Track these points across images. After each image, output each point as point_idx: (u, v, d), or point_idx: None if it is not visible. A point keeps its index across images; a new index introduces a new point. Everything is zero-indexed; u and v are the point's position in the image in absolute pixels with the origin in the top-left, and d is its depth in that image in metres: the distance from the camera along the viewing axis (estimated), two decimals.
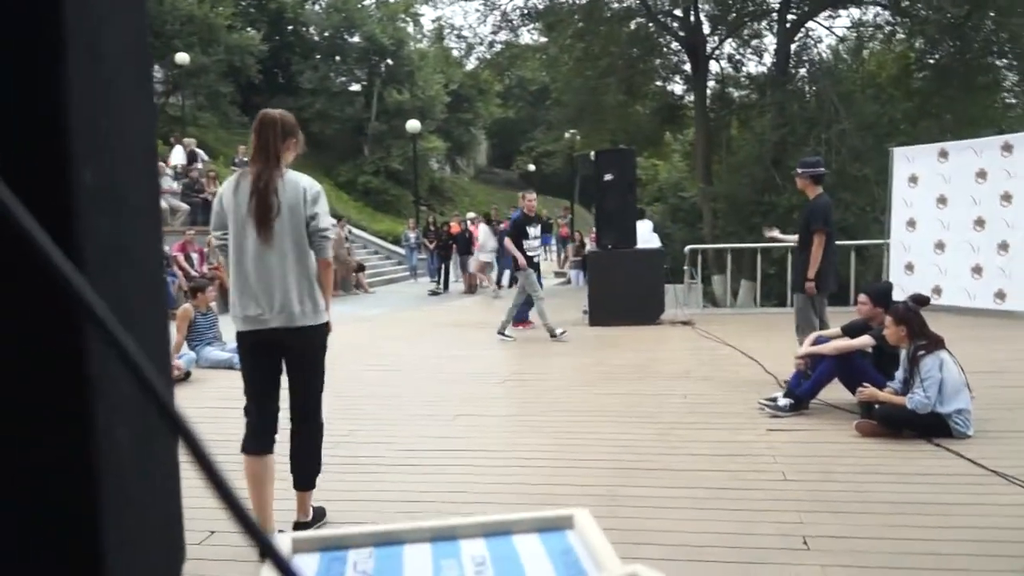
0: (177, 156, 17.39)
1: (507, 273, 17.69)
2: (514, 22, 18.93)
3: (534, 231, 9.35)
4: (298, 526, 3.48)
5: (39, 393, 0.47)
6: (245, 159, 20.17)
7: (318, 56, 33.11)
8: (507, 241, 9.42)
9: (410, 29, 35.67)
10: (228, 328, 8.27)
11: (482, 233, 16.49)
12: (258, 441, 3.35)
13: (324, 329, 3.37)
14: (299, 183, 3.27)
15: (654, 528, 3.47)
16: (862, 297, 5.59)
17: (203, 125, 26.36)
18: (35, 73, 0.45)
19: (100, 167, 0.49)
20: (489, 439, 5.06)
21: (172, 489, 0.65)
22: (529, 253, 9.17)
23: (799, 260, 6.41)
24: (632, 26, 19.14)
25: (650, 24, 18.99)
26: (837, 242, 11.52)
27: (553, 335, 9.06)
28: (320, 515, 3.61)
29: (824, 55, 19.46)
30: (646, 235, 10.97)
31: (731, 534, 3.35)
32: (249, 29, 29.57)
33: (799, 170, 6.47)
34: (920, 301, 5.19)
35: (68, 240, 0.46)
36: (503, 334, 9.23)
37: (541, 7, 18.50)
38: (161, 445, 0.63)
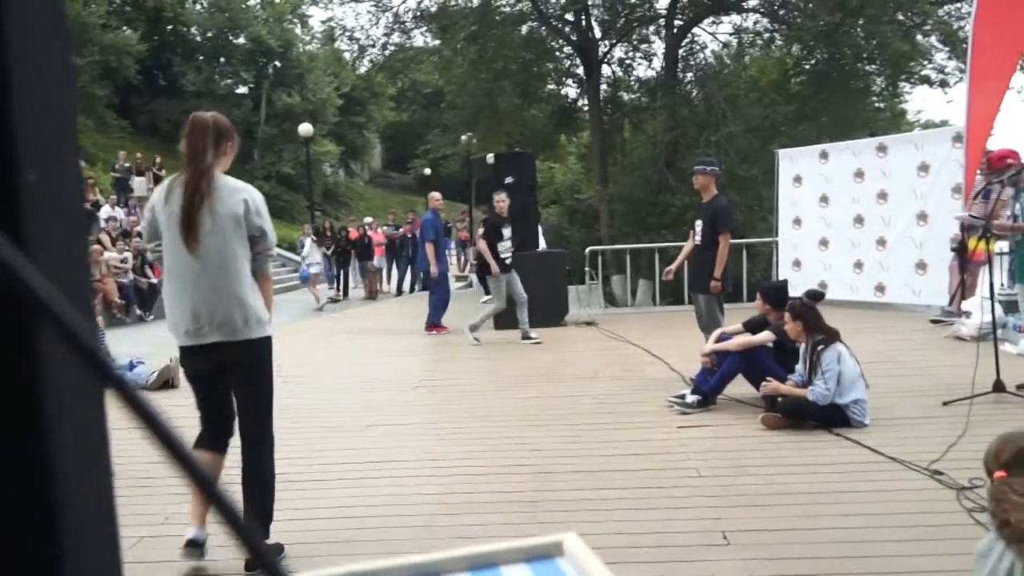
0: None
1: (407, 280, 17.54)
2: (407, 24, 18.75)
3: (507, 232, 9.06)
4: (249, 564, 3.19)
5: None
6: (126, 164, 19.23)
7: (201, 57, 31.91)
8: (481, 244, 9.02)
9: (298, 31, 34.86)
10: (114, 344, 7.83)
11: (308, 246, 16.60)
12: (210, 440, 3.28)
13: (269, 343, 3.24)
14: (238, 191, 3.11)
15: (576, 531, 3.46)
16: (758, 296, 5.80)
17: (78, 130, 24.90)
18: None
19: (42, 168, 0.48)
20: (403, 448, 4.96)
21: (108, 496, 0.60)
22: (503, 255, 8.92)
23: (701, 260, 6.50)
24: (525, 30, 19.30)
25: (543, 28, 19.20)
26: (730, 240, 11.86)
27: (527, 337, 8.92)
28: (276, 552, 3.32)
29: (709, 60, 20.17)
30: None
31: (652, 533, 3.40)
32: (125, 28, 28.22)
33: (706, 168, 6.51)
34: (815, 297, 5.42)
35: (20, 246, 0.44)
36: (475, 340, 8.96)
37: (434, 9, 18.40)
38: (94, 412, 0.58)
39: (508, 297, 9.03)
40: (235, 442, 3.33)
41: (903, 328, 8.42)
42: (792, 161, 10.82)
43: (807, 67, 19.22)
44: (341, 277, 17.52)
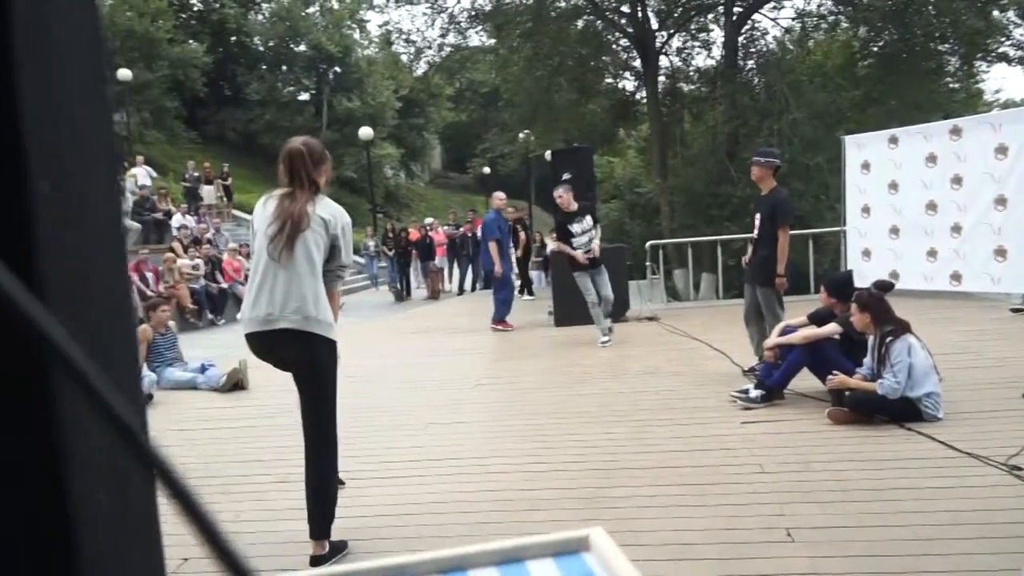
0: (142, 177, 16.99)
1: (468, 278, 17.65)
2: (462, 24, 18.86)
3: (579, 226, 8.42)
4: (314, 561, 3.30)
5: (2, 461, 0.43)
6: (196, 174, 19.85)
7: (264, 66, 32.70)
8: (556, 245, 8.57)
9: (357, 36, 35.41)
10: (188, 348, 8.09)
11: None
12: None
13: (333, 346, 3.34)
14: (332, 211, 3.33)
15: (637, 528, 3.44)
16: (822, 289, 5.65)
17: (149, 142, 25.83)
18: None
19: (59, 179, 0.47)
20: (463, 446, 5.00)
21: (152, 535, 0.59)
22: (578, 249, 8.34)
23: (761, 254, 6.31)
24: (580, 24, 19.20)
25: (598, 22, 19.07)
26: (793, 231, 11.66)
27: (609, 332, 8.48)
28: (339, 548, 3.42)
29: (771, 46, 19.73)
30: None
31: (715, 530, 3.34)
32: (191, 42, 29.09)
33: (761, 159, 6.33)
34: (883, 287, 5.25)
35: (27, 258, 0.43)
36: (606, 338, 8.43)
37: (488, 8, 18.46)
38: (137, 493, 0.57)
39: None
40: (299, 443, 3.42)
41: (981, 318, 8.10)
42: (859, 147, 10.48)
43: (875, 49, 18.64)
44: (403, 278, 17.71)
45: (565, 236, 8.47)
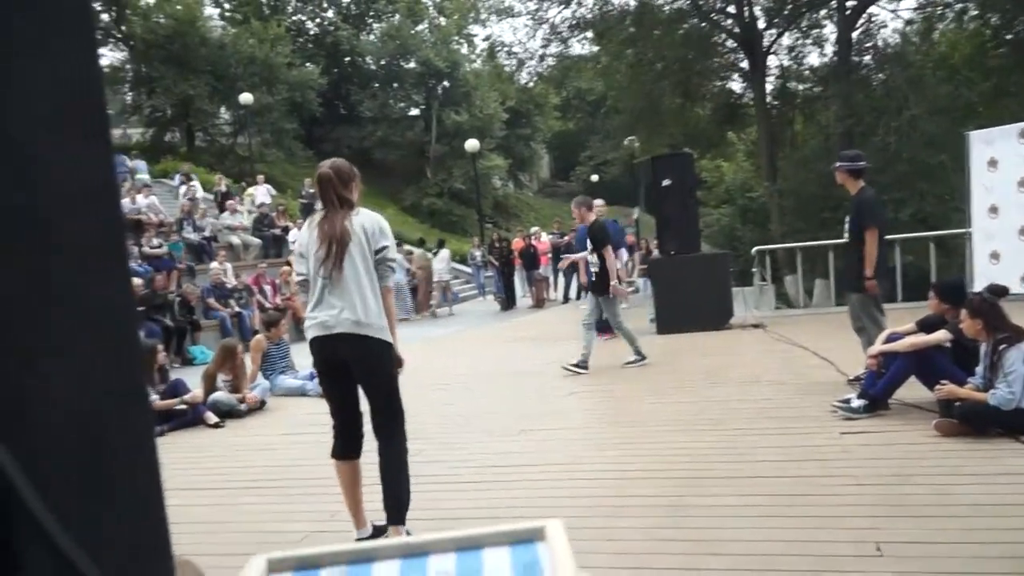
0: (261, 195, 17.96)
1: (574, 286, 17.66)
2: (563, 34, 18.94)
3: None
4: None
5: None
6: (311, 190, 20.74)
7: (376, 84, 33.83)
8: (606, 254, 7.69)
9: (464, 50, 36.13)
10: (299, 356, 8.49)
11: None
12: (343, 447, 3.65)
13: (390, 348, 3.55)
14: (367, 219, 3.56)
15: (721, 538, 3.38)
16: (931, 293, 5.38)
17: (270, 161, 27.20)
18: None
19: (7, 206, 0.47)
20: (554, 453, 5.04)
21: None
22: (593, 269, 7.79)
23: (849, 258, 6.16)
24: (685, 27, 18.92)
25: (703, 24, 18.75)
26: (915, 234, 11.11)
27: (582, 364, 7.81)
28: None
29: (890, 40, 18.83)
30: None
31: (801, 542, 3.25)
32: (308, 65, 30.43)
33: (838, 164, 6.24)
34: (998, 292, 4.95)
35: None
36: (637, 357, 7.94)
37: (590, 16, 18.47)
38: None
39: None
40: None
41: None
42: (986, 143, 9.87)
43: (1008, 37, 17.46)
44: (507, 287, 17.88)
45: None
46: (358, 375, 3.55)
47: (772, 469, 4.25)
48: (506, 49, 19.46)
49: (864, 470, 4.08)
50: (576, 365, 7.76)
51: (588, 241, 7.88)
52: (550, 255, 17.99)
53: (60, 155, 0.53)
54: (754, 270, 11.84)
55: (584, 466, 4.68)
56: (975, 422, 4.50)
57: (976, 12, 17.95)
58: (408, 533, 3.55)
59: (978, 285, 8.48)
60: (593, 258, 7.76)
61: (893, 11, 18.87)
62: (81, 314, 0.54)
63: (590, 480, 4.39)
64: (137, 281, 10.70)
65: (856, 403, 5.18)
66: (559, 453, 5.06)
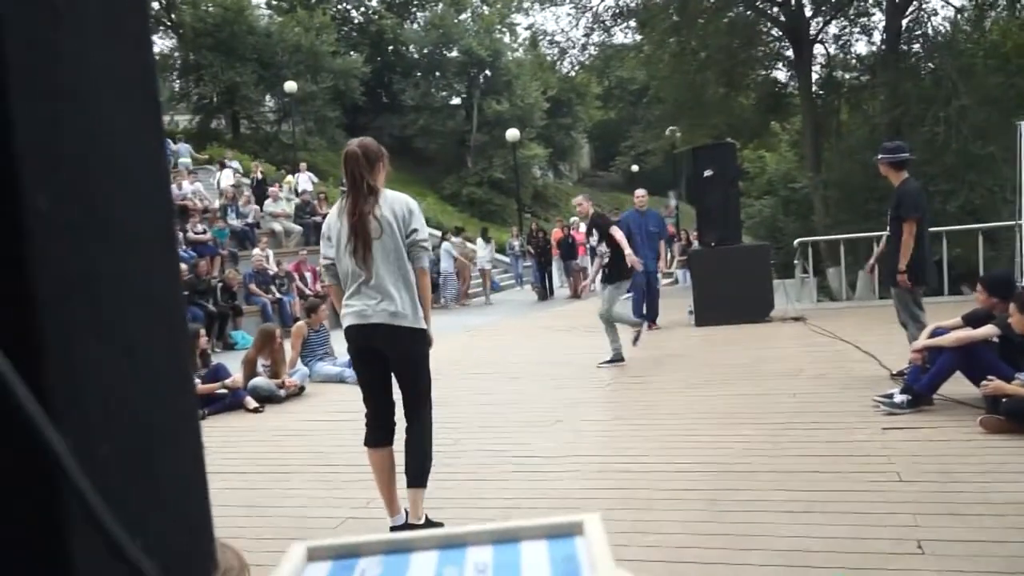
0: (304, 182, 18.20)
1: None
2: (606, 22, 18.80)
3: (593, 239, 7.79)
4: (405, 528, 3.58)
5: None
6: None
7: (418, 73, 33.91)
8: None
9: (506, 39, 36.04)
10: (339, 343, 8.60)
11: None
12: (375, 435, 3.68)
13: (423, 335, 3.57)
14: (395, 202, 3.50)
15: (758, 533, 3.36)
16: (979, 286, 5.25)
17: (312, 149, 27.47)
18: None
19: (64, 192, 0.46)
20: (589, 444, 5.05)
21: None
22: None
23: (890, 251, 6.06)
24: (730, 15, 18.65)
25: (748, 12, 18.46)
26: (963, 226, 10.87)
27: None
28: (433, 527, 3.67)
29: (940, 28, 18.35)
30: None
31: (839, 539, 3.21)
32: (352, 53, 30.63)
33: (880, 156, 6.12)
34: None
35: (19, 271, 0.42)
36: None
37: (633, 5, 18.30)
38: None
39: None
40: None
41: None
42: None
43: None
44: (545, 277, 17.88)
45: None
46: (393, 364, 3.58)
47: (812, 464, 4.20)
48: (548, 38, 19.40)
49: (906, 466, 4.01)
50: (610, 361, 7.72)
51: (594, 233, 7.71)
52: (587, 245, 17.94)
53: (119, 139, 0.53)
54: (796, 262, 11.67)
55: (619, 458, 4.67)
56: (1022, 419, 4.40)
57: None
58: (438, 524, 3.59)
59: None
60: (603, 248, 7.62)
61: None
62: (133, 298, 0.54)
63: (625, 473, 4.38)
64: (182, 267, 10.92)
65: (899, 398, 5.09)
66: (594, 444, 5.06)
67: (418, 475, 3.63)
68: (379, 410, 3.67)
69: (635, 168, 36.71)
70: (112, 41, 0.55)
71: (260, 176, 18.01)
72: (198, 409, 0.60)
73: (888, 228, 6.12)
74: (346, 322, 3.57)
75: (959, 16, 19.12)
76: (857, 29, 19.31)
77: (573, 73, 21.17)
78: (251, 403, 6.83)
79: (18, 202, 0.43)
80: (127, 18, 0.57)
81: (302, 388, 7.41)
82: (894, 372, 6.11)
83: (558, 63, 20.29)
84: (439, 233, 18.15)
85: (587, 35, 18.71)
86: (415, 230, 3.52)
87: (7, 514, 0.40)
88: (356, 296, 3.52)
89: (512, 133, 22.93)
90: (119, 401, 0.52)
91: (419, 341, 3.56)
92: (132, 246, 0.56)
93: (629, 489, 4.08)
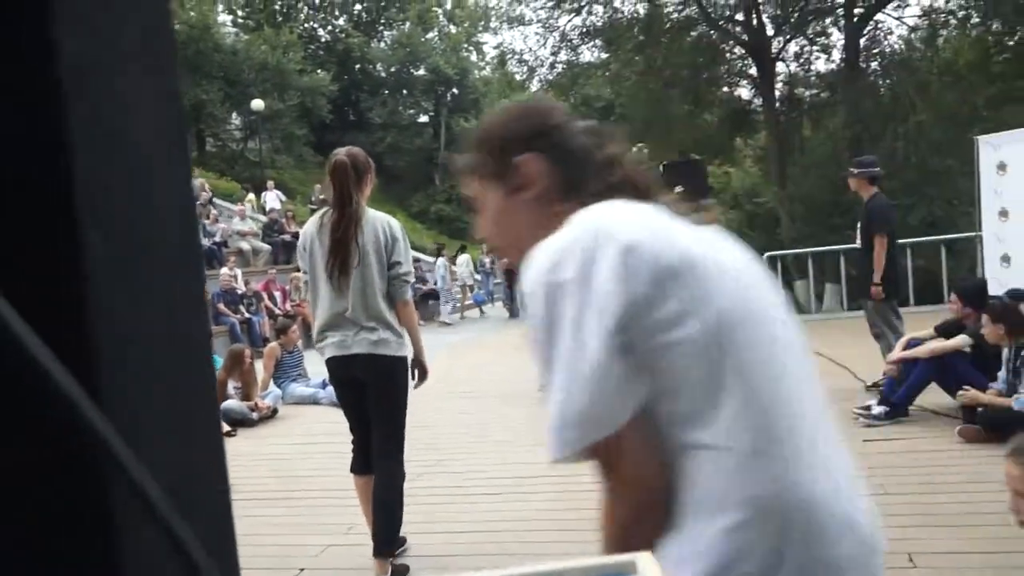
0: (272, 201, 18.01)
1: None
2: (574, 41, 18.97)
3: None
4: (376, 551, 3.40)
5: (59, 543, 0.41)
6: (322, 196, 20.80)
7: (386, 91, 33.97)
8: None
9: (473, 58, 36.23)
10: (312, 364, 8.49)
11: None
12: (362, 463, 3.52)
13: (404, 363, 3.40)
14: (378, 225, 3.31)
15: None
16: (953, 296, 5.35)
17: (280, 167, 27.29)
18: (35, 132, 0.41)
19: (114, 231, 0.45)
20: (568, 465, 5.00)
21: None
22: None
23: (862, 264, 6.16)
24: (693, 35, 18.95)
25: (711, 31, 18.77)
26: (926, 238, 11.06)
27: None
28: (402, 572, 3.50)
29: (896, 47, 18.81)
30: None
31: None
32: (319, 71, 30.57)
33: (854, 170, 6.22)
34: (1019, 296, 4.93)
35: (79, 315, 0.41)
36: None
37: (600, 24, 18.50)
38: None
39: None
40: None
41: None
42: (994, 148, 9.84)
43: (1010, 43, 17.44)
44: (513, 294, 17.92)
45: None
46: (371, 393, 3.40)
47: None
48: (517, 57, 19.50)
49: (890, 479, 4.04)
50: None
51: None
52: None
53: (157, 173, 0.51)
54: None
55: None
56: (999, 428, 4.45)
57: (979, 19, 17.94)
58: (397, 567, 3.46)
59: (991, 289, 8.44)
60: None
61: (898, 18, 18.78)
62: (170, 342, 0.52)
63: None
64: None
65: (877, 410, 5.15)
66: (571, 465, 5.02)
67: (386, 540, 3.41)
68: (367, 440, 3.49)
69: None
70: (148, 73, 0.53)
71: (209, 194, 17.72)
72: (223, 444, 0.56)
73: (859, 242, 6.21)
74: (326, 354, 3.39)
75: (913, 35, 19.64)
76: (817, 47, 19.73)
77: (543, 91, 21.30)
78: (223, 427, 6.68)
79: (77, 240, 0.41)
80: (160, 46, 0.54)
81: (275, 410, 7.28)
82: (869, 384, 6.17)
83: (527, 82, 20.41)
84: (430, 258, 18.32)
85: (555, 53, 18.89)
86: (398, 262, 3.33)
87: (54, 505, 0.40)
88: (333, 328, 3.34)
89: None
90: (162, 446, 0.48)
91: (400, 371, 3.39)
92: (168, 289, 0.52)
93: None
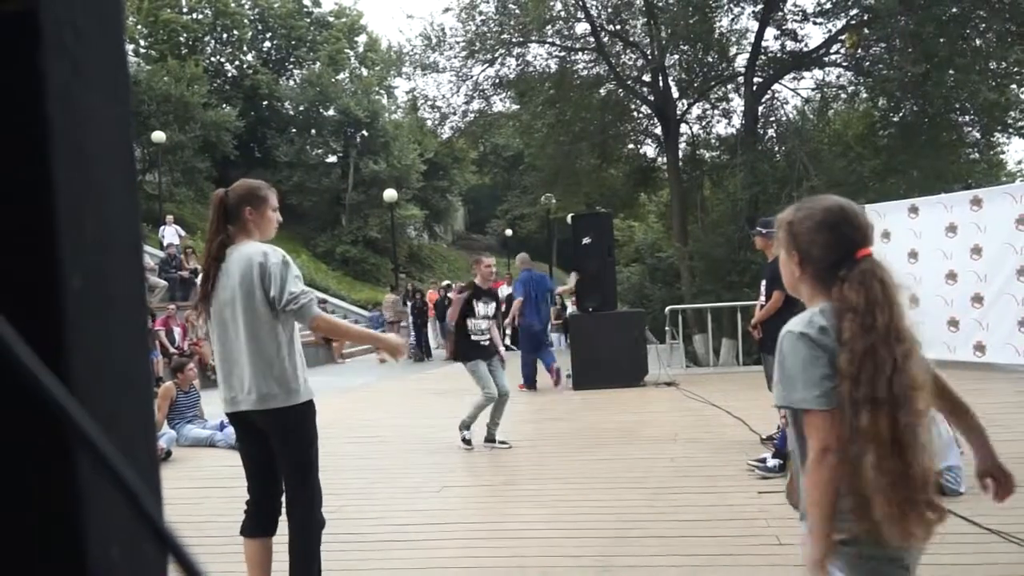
0: (170, 236, 17.37)
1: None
2: (486, 91, 19.32)
3: (485, 308, 6.85)
4: None
5: (29, 519, 0.43)
6: None
7: (294, 130, 33.55)
8: (451, 313, 7.17)
9: (384, 101, 36.30)
10: (209, 405, 8.15)
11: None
12: (251, 522, 3.20)
13: (300, 409, 3.07)
14: (250, 256, 2.97)
15: None
16: None
17: (179, 200, 26.45)
18: (18, 174, 0.43)
19: (89, 271, 0.46)
20: (479, 511, 4.97)
21: None
22: (475, 336, 6.80)
23: (768, 321, 6.39)
24: (602, 92, 19.61)
25: (620, 90, 19.47)
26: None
27: (492, 440, 6.90)
28: None
29: (791, 116, 19.98)
30: None
31: None
32: (225, 106, 29.96)
33: (762, 231, 6.48)
34: None
35: (58, 352, 0.43)
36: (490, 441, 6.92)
37: (512, 76, 18.93)
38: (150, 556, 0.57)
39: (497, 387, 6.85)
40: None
41: (1007, 390, 7.98)
42: (879, 216, 10.51)
43: (895, 119, 18.80)
44: (421, 338, 17.81)
45: (467, 313, 6.83)
46: (274, 444, 3.11)
47: (696, 528, 4.30)
48: (429, 103, 19.69)
49: (784, 529, 4.17)
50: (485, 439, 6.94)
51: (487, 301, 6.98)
52: None
53: (116, 203, 0.52)
54: (667, 329, 12.14)
55: (509, 524, 4.62)
56: None
57: (866, 95, 19.29)
58: None
59: None
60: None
61: (793, 89, 20.01)
62: (115, 373, 0.53)
63: (515, 539, 4.33)
64: None
65: (772, 462, 5.33)
66: (482, 510, 4.99)
67: None
68: (263, 496, 3.18)
69: (508, 232, 37.45)
70: (109, 95, 0.53)
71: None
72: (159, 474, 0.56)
73: (763, 298, 6.42)
74: (222, 408, 3.18)
75: (807, 106, 20.90)
76: (718, 112, 20.73)
77: (454, 138, 21.49)
78: None
79: (58, 282, 0.43)
80: (117, 68, 0.54)
81: (168, 453, 6.94)
82: (764, 437, 6.40)
83: (439, 128, 20.60)
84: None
85: (467, 102, 19.16)
86: (274, 297, 2.92)
87: (20, 475, 0.42)
88: (224, 379, 3.09)
89: (389, 193, 22.95)
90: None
91: (298, 418, 3.06)
92: (124, 322, 0.52)
93: (522, 556, 4.03)
